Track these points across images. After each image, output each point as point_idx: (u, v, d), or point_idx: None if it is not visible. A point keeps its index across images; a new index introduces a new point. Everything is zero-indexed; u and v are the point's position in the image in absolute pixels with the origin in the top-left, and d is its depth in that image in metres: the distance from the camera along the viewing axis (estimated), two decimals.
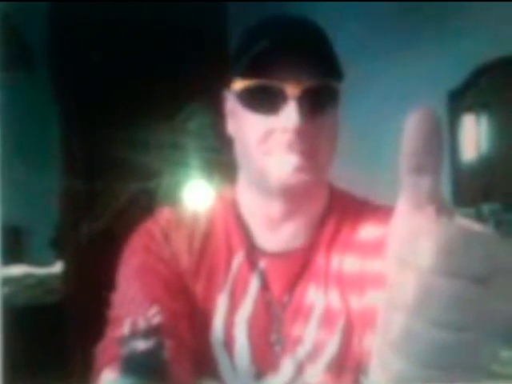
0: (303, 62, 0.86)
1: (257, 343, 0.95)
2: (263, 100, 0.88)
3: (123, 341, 0.81)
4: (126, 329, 0.82)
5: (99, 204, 3.29)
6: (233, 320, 0.95)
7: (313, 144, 0.88)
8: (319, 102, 0.88)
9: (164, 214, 1.04)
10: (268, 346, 0.95)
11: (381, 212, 1.01)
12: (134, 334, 0.81)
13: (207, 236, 1.00)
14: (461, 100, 4.49)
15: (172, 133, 3.31)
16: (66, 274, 3.44)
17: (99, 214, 3.26)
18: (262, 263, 0.98)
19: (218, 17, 3.57)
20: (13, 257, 4.36)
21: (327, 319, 0.96)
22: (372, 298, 0.89)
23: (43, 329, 3.15)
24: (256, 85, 0.87)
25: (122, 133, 3.21)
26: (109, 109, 3.35)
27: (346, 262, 0.97)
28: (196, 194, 3.58)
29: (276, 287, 0.97)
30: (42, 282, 3.74)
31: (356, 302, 0.94)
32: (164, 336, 0.82)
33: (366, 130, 4.57)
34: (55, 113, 3.38)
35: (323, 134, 0.90)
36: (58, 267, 3.74)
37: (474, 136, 4.58)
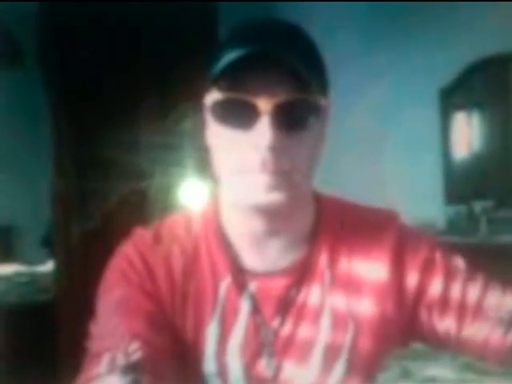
0: (277, 75, 0.80)
1: (250, 370, 0.91)
2: (234, 115, 0.82)
3: (100, 378, 0.77)
4: (103, 366, 0.78)
5: (91, 204, 3.28)
6: (225, 348, 0.91)
7: (288, 162, 0.82)
8: (296, 118, 0.83)
9: (140, 235, 0.97)
10: (260, 372, 0.92)
11: (376, 220, 1.00)
12: (112, 371, 0.77)
13: (189, 260, 0.94)
14: (453, 98, 4.50)
15: (164, 133, 3.30)
16: (57, 272, 3.42)
17: (91, 213, 3.25)
18: (251, 285, 0.93)
19: (209, 15, 3.57)
20: (4, 255, 4.36)
21: (331, 348, 0.92)
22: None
23: (34, 327, 3.14)
24: (227, 98, 0.82)
25: (113, 133, 3.20)
26: (100, 109, 3.34)
27: (344, 275, 0.94)
28: (188, 195, 3.57)
29: (266, 310, 0.92)
30: (33, 280, 3.73)
31: (363, 312, 0.93)
32: (143, 373, 0.78)
33: (360, 128, 4.58)
34: (46, 112, 3.37)
35: (301, 151, 0.84)
36: (49, 266, 3.73)
37: (465, 134, 4.59)
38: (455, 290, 0.94)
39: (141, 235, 0.97)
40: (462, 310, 0.93)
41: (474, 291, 0.94)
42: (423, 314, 0.95)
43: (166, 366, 0.84)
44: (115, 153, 3.13)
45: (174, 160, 3.26)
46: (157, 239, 0.95)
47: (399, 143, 4.38)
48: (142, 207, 3.21)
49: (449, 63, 4.20)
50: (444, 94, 4.47)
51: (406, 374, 2.58)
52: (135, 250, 0.94)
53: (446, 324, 0.94)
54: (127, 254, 0.94)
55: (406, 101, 4.34)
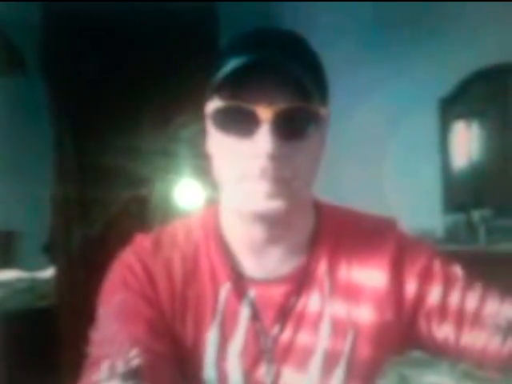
0: (278, 83, 0.80)
1: (250, 376, 0.92)
2: (235, 123, 0.82)
3: None
4: (103, 372, 0.78)
5: (91, 210, 3.28)
6: (225, 355, 0.91)
7: (288, 170, 0.83)
8: (296, 126, 0.83)
9: (141, 242, 0.97)
10: (260, 379, 0.92)
11: (374, 226, 1.01)
12: (112, 378, 0.77)
13: (189, 266, 0.95)
14: (452, 107, 4.51)
15: (165, 140, 3.31)
16: (57, 279, 3.43)
17: (91, 220, 3.26)
18: (251, 292, 0.93)
19: (211, 23, 3.58)
20: (4, 261, 4.35)
21: (330, 355, 0.93)
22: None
23: (34, 333, 3.14)
24: (228, 106, 0.82)
25: (114, 140, 3.21)
26: (102, 116, 3.34)
27: (343, 282, 0.94)
28: (188, 202, 3.57)
29: (266, 317, 0.93)
30: (33, 286, 3.73)
31: (362, 319, 0.93)
32: (142, 379, 0.78)
33: (359, 137, 4.58)
34: (47, 119, 3.38)
35: (300, 159, 0.84)
36: (49, 272, 3.73)
37: (464, 143, 4.60)
38: (454, 298, 0.94)
39: (141, 242, 0.97)
40: (460, 318, 0.94)
41: (472, 299, 0.94)
42: (422, 322, 0.95)
43: (166, 373, 0.84)
44: (116, 160, 3.14)
45: (174, 167, 3.27)
46: (157, 246, 0.96)
47: (398, 152, 4.38)
48: (142, 214, 3.22)
49: (449, 73, 4.21)
50: (444, 103, 4.48)
51: (403, 381, 2.58)
52: (136, 256, 0.94)
53: (444, 332, 0.94)
54: (128, 260, 0.95)
55: (405, 110, 4.35)
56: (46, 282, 3.71)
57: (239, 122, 0.82)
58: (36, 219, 4.25)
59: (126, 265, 0.94)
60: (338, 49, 4.02)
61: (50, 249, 3.90)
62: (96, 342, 0.87)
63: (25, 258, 4.61)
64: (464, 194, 4.48)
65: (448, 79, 4.28)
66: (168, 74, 3.38)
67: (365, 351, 0.93)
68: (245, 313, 0.92)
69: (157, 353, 0.84)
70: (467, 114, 4.53)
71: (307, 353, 0.92)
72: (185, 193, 3.33)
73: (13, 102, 4.41)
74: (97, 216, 3.25)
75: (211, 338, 0.91)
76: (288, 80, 0.79)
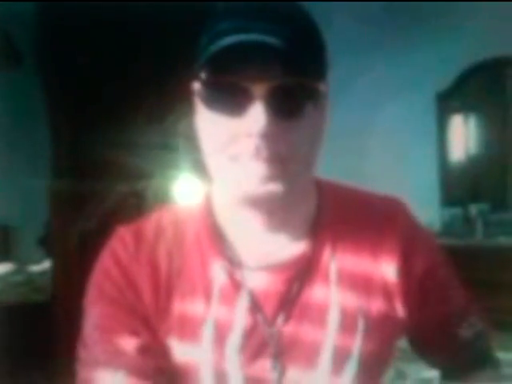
0: (272, 57, 0.72)
1: (253, 375, 0.84)
2: (226, 100, 0.75)
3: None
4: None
5: (88, 204, 3.28)
6: (222, 354, 0.83)
7: (284, 150, 0.76)
8: (292, 103, 0.76)
9: (121, 238, 0.89)
10: (263, 375, 0.84)
11: (378, 205, 0.96)
12: None
13: (177, 259, 0.87)
14: (449, 101, 4.52)
15: (162, 134, 3.30)
16: (53, 272, 3.42)
17: (88, 213, 3.25)
18: (249, 282, 0.85)
19: (207, 15, 3.57)
20: (1, 254, 4.35)
21: (340, 347, 0.85)
22: None
23: (30, 327, 3.14)
24: (217, 82, 0.75)
25: (111, 134, 3.21)
26: (98, 109, 3.34)
27: (350, 269, 0.88)
28: (186, 196, 3.55)
29: (268, 307, 0.85)
30: (29, 279, 3.73)
31: (371, 307, 0.87)
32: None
33: (356, 131, 4.59)
34: (44, 113, 3.37)
35: (298, 139, 0.77)
36: (45, 265, 3.73)
37: (462, 137, 4.61)
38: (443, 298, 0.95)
39: (121, 238, 0.90)
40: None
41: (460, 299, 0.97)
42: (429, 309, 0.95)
43: (160, 374, 0.82)
44: (113, 154, 3.13)
45: (171, 161, 3.26)
46: (139, 240, 0.89)
47: (395, 146, 4.39)
48: (139, 208, 3.21)
49: (445, 67, 4.21)
50: (440, 98, 4.48)
51: (401, 376, 2.58)
52: (113, 259, 0.88)
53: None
54: (105, 265, 0.88)
55: (402, 104, 4.35)
56: (42, 275, 3.71)
57: (231, 99, 0.75)
58: (32, 213, 4.25)
59: (104, 270, 0.87)
60: (332, 48, 4.02)
61: (45, 242, 3.90)
62: (85, 362, 0.84)
63: (21, 251, 4.62)
64: (461, 188, 4.50)
65: (445, 74, 4.28)
66: (165, 68, 3.37)
67: (377, 341, 0.87)
68: (242, 304, 0.85)
69: (145, 369, 0.82)
70: (464, 109, 4.53)
71: (315, 344, 0.85)
72: (182, 187, 3.32)
73: (9, 97, 4.40)
74: (93, 210, 3.24)
75: (205, 335, 0.84)
76: (285, 53, 0.72)
